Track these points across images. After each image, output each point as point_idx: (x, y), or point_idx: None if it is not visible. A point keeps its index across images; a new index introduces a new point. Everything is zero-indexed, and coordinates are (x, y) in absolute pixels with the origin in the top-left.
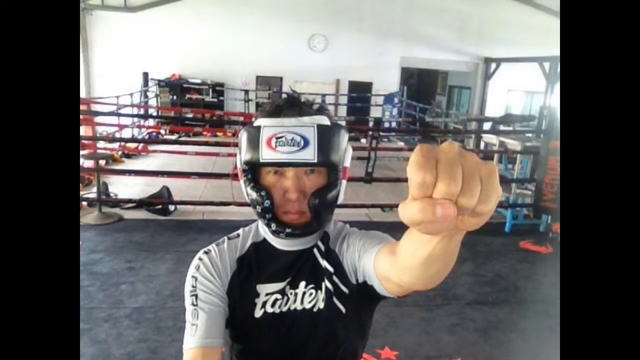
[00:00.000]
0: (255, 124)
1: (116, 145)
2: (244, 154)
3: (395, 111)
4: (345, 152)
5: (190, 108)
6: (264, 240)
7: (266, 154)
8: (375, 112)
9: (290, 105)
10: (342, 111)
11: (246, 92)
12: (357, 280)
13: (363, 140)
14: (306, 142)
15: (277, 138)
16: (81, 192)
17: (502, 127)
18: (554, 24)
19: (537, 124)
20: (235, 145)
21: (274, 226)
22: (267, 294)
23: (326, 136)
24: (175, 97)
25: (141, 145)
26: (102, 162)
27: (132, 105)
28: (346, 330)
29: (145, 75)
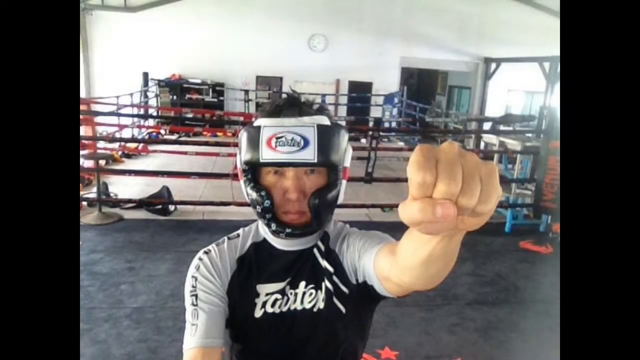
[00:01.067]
0: (255, 124)
1: (116, 145)
2: (244, 154)
3: (395, 111)
4: (345, 152)
5: (190, 108)
6: (264, 240)
7: (266, 154)
8: (375, 112)
9: (290, 105)
10: (342, 111)
11: (246, 92)
12: (357, 280)
13: (363, 140)
14: (306, 142)
15: (277, 138)
16: (81, 192)
17: (502, 127)
18: (554, 24)
19: (537, 124)
20: (235, 145)
21: (274, 226)
22: (267, 294)
23: (326, 136)
24: (175, 97)
25: (141, 145)
26: (102, 162)
27: (132, 105)
28: (346, 330)
29: (145, 75)
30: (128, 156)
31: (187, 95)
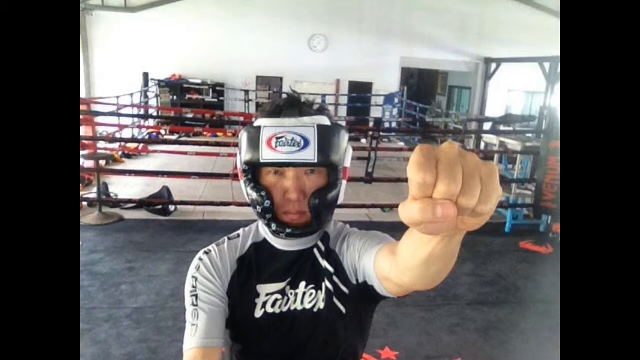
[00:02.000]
0: (255, 124)
1: (116, 145)
2: (244, 154)
3: (395, 111)
4: (345, 152)
5: (190, 108)
6: (264, 240)
7: (266, 154)
8: (375, 112)
9: (290, 105)
10: (342, 111)
11: (246, 92)
12: (357, 280)
13: (363, 140)
14: (306, 142)
15: (277, 138)
16: (81, 192)
17: (502, 127)
18: (554, 24)
19: (537, 124)
20: (235, 145)
21: (274, 226)
22: (267, 294)
23: (326, 136)
24: (175, 97)
25: (141, 145)
26: (102, 162)
27: (132, 105)
28: (346, 330)
29: (145, 75)
30: (128, 156)
31: (187, 95)
